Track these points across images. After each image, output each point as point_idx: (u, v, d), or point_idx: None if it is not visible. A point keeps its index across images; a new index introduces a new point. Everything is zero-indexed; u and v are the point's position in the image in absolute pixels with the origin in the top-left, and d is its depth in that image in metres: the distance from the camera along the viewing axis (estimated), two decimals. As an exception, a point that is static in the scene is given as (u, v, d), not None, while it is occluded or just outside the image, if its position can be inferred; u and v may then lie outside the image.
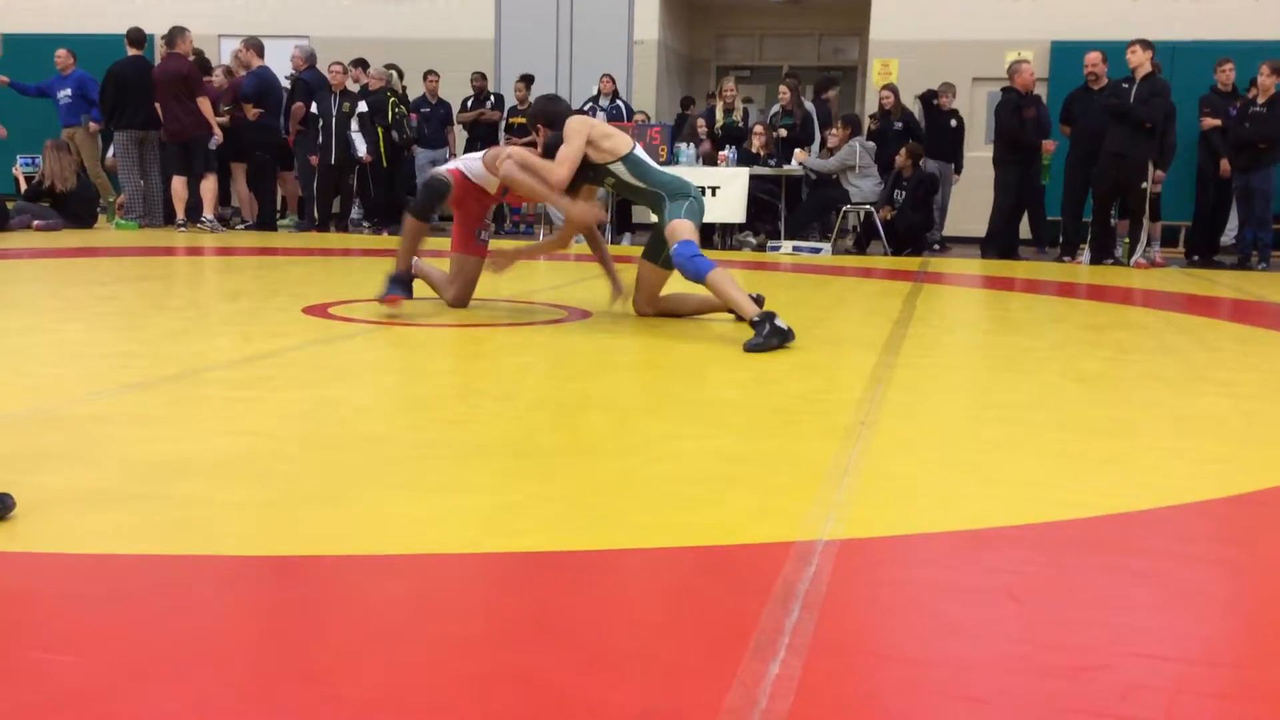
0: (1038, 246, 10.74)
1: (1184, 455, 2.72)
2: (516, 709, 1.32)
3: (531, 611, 1.62)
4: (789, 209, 10.57)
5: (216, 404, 3.03)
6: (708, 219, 9.52)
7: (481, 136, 11.98)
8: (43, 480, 2.19)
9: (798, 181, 10.68)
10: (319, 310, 4.91)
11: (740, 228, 10.62)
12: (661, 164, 6.51)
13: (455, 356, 4.20)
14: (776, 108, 11.36)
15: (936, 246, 10.67)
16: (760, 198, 10.48)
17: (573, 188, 4.79)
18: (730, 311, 4.59)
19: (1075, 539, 2.05)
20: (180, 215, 10.27)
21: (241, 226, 11.19)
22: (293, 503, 2.12)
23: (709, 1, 15.19)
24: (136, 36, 10.60)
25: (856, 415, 3.01)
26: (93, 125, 11.04)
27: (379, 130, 10.92)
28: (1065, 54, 11.80)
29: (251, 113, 10.71)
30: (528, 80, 11.86)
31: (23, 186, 11.09)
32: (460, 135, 12.39)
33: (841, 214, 10.24)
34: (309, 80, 11.01)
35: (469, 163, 5.08)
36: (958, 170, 10.94)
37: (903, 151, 9.99)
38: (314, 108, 10.80)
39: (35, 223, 9.93)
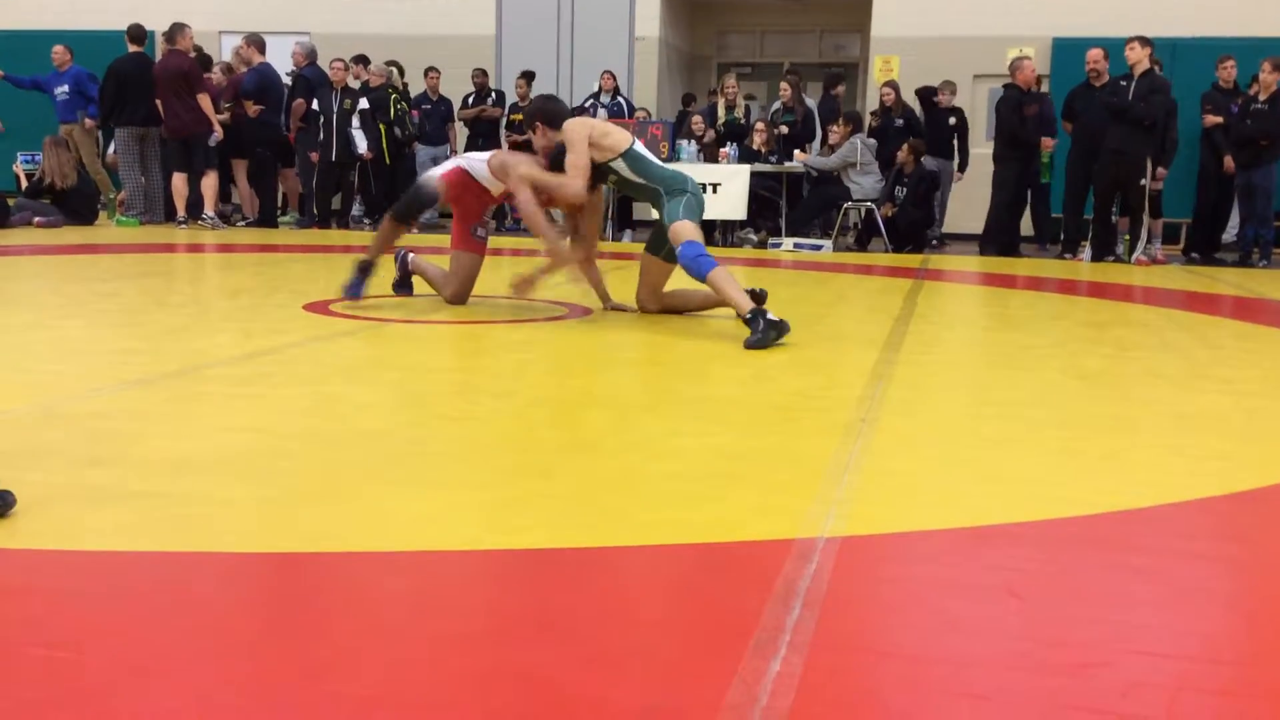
0: (1039, 243, 10.74)
1: (1185, 452, 2.71)
2: (517, 706, 1.32)
3: (532, 608, 1.62)
4: (790, 206, 10.56)
5: (217, 401, 3.03)
6: (709, 216, 9.52)
7: (483, 133, 11.99)
8: (43, 477, 2.19)
9: (799, 178, 10.68)
10: (320, 307, 4.91)
11: (741, 225, 10.62)
12: (663, 161, 6.51)
13: (455, 353, 4.20)
14: (778, 104, 11.36)
15: (935, 242, 10.66)
16: (761, 195, 10.48)
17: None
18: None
19: (1076, 536, 2.04)
20: (181, 212, 10.27)
21: (242, 223, 11.19)
22: (293, 499, 2.12)
23: (710, -2, 15.19)
24: (137, 33, 10.60)
25: (857, 412, 3.01)
26: (89, 122, 11.04)
27: (381, 127, 10.92)
28: (1067, 50, 11.79)
29: (252, 109, 10.71)
30: (529, 77, 11.85)
31: (23, 184, 11.10)
32: (461, 132, 12.38)
33: (843, 211, 10.23)
34: (310, 77, 11.00)
35: (473, 162, 5.07)
36: (962, 167, 10.93)
37: (905, 147, 9.98)
38: (315, 104, 10.80)
39: (36, 219, 9.93)
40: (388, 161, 11.12)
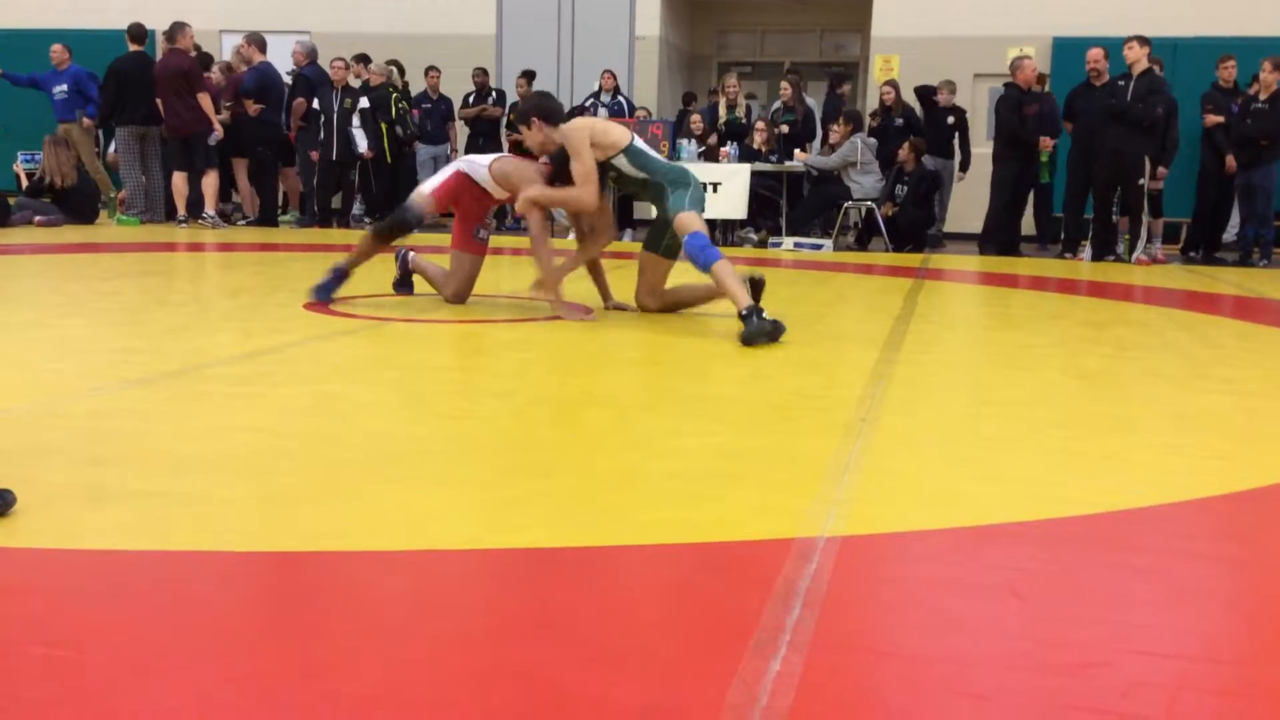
0: (1040, 243, 10.74)
1: (1185, 452, 2.71)
2: (517, 706, 1.32)
3: (531, 608, 1.62)
4: (790, 205, 10.56)
5: (217, 400, 3.03)
6: (710, 215, 9.52)
7: (483, 132, 11.98)
8: (43, 476, 2.19)
9: (799, 178, 10.68)
10: (320, 306, 4.91)
11: (742, 224, 10.62)
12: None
13: (456, 352, 4.20)
14: (778, 104, 11.36)
15: (935, 242, 10.67)
16: (762, 194, 10.48)
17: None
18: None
19: (1076, 535, 2.04)
20: (181, 211, 10.27)
21: (243, 222, 11.20)
22: (293, 498, 2.12)
23: (710, -3, 15.19)
24: (138, 32, 10.60)
25: (857, 411, 3.01)
26: (87, 121, 11.03)
27: (382, 126, 10.92)
28: (1067, 50, 11.79)
29: (252, 108, 10.71)
30: (529, 76, 11.85)
31: (24, 183, 11.10)
32: (462, 131, 12.38)
33: (843, 210, 10.23)
34: (310, 76, 11.00)
35: (474, 166, 5.06)
36: (964, 166, 10.93)
37: (906, 146, 9.98)
38: (315, 103, 10.80)
39: (37, 218, 9.93)
40: (389, 160, 11.13)
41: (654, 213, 4.95)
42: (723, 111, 11.39)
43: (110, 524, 1.94)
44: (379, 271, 5.56)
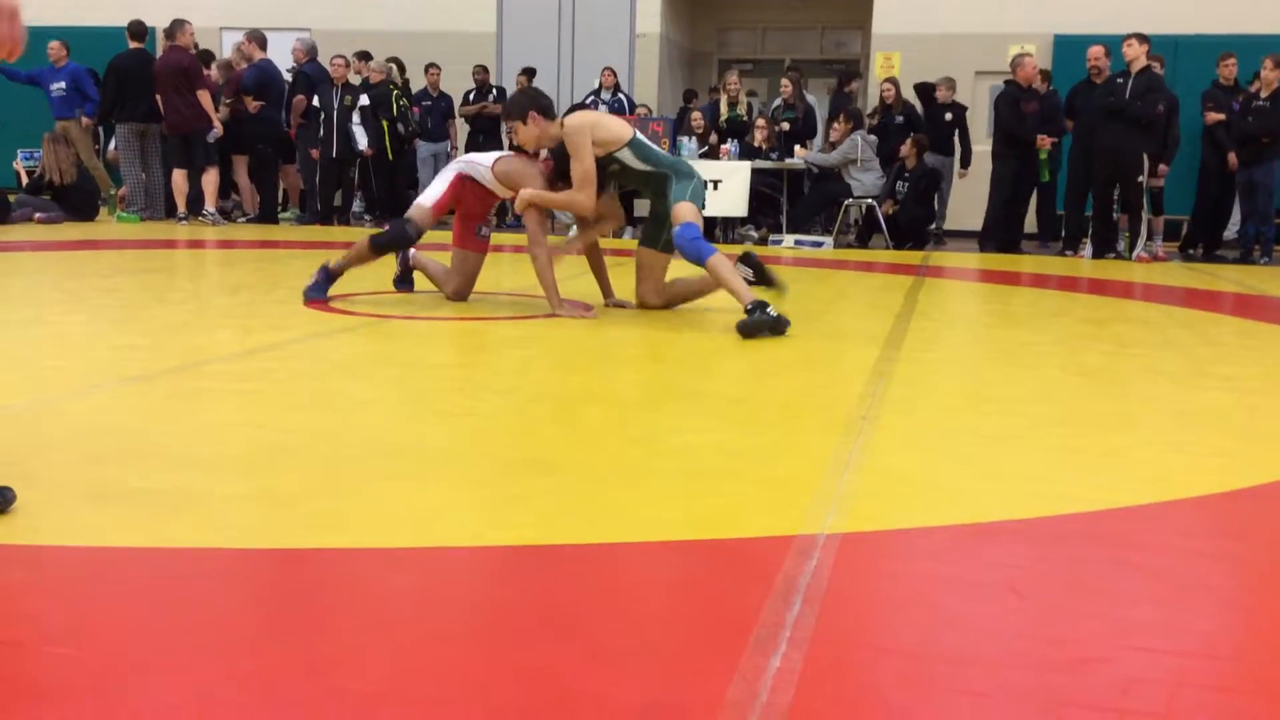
0: (1041, 240, 10.74)
1: (1185, 449, 2.72)
2: (518, 702, 1.32)
3: (533, 605, 1.62)
4: (791, 203, 10.56)
5: (217, 397, 3.03)
6: (710, 213, 9.54)
7: (483, 130, 11.98)
8: (43, 473, 2.19)
9: (800, 175, 10.67)
10: (320, 303, 4.91)
11: (742, 222, 10.62)
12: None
13: (456, 350, 4.20)
14: (778, 101, 11.35)
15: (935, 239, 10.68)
16: (762, 191, 10.47)
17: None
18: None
19: (1076, 533, 2.05)
20: (181, 208, 10.27)
21: (243, 219, 11.20)
22: (294, 495, 2.12)
23: (711, -5, 15.18)
24: (137, 29, 10.59)
25: (858, 409, 3.01)
26: (85, 120, 11.02)
27: (383, 123, 10.92)
28: (1068, 48, 11.79)
29: (252, 105, 10.71)
30: (529, 73, 11.84)
31: (24, 180, 11.10)
32: (462, 128, 12.38)
33: (844, 208, 10.23)
34: (310, 73, 11.00)
35: (475, 166, 5.04)
36: (964, 163, 10.92)
37: (908, 142, 9.97)
38: (315, 101, 10.80)
39: (37, 215, 9.93)
40: (390, 158, 11.13)
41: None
42: (724, 109, 11.38)
43: (110, 521, 1.94)
44: (379, 268, 5.56)
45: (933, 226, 10.49)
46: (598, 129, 4.71)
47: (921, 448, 2.67)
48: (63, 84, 11.02)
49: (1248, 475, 2.49)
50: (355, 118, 10.75)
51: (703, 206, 4.73)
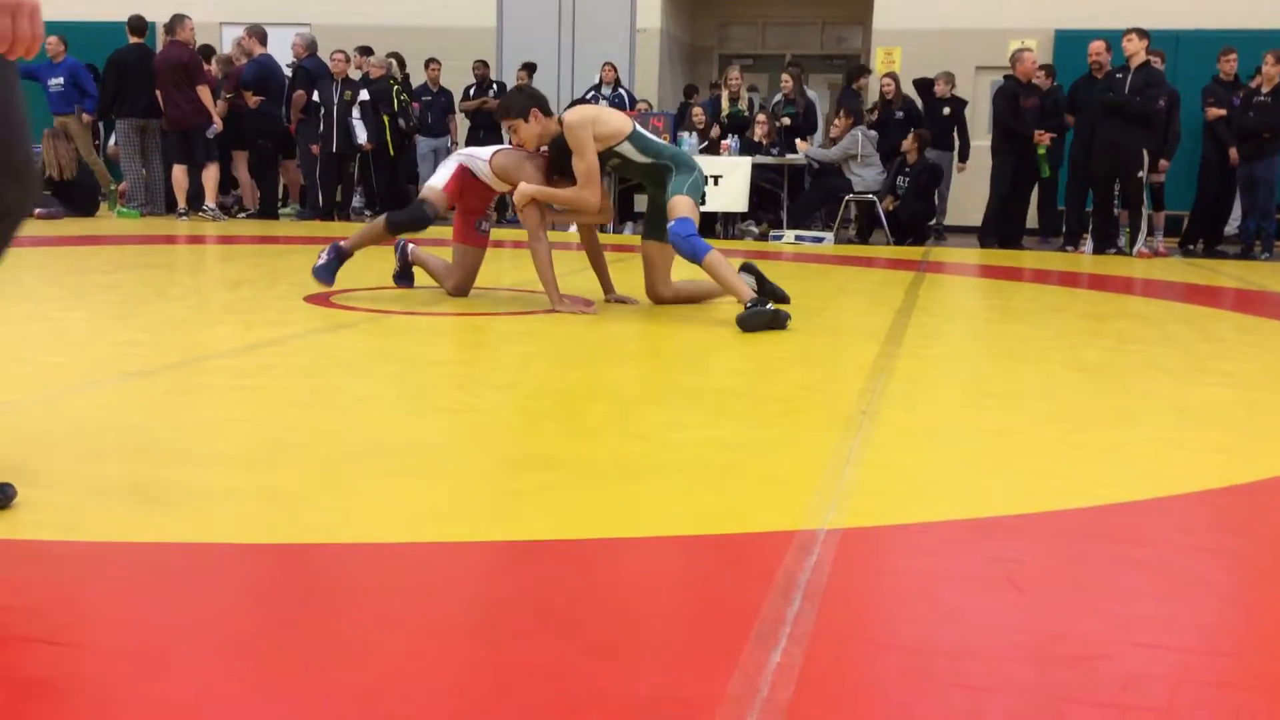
0: (1042, 236, 10.74)
1: (1185, 445, 2.71)
2: (518, 697, 1.32)
3: (533, 600, 1.62)
4: (791, 198, 10.55)
5: (218, 392, 3.03)
6: (711, 208, 9.54)
7: (483, 125, 11.97)
8: (44, 469, 2.19)
9: (800, 171, 10.67)
10: (320, 299, 4.90)
11: (743, 217, 10.61)
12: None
13: (457, 345, 4.20)
14: (779, 96, 11.34)
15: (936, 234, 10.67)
16: (763, 187, 10.47)
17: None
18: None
19: (1076, 528, 2.05)
20: (182, 204, 10.27)
21: (243, 215, 11.19)
22: (294, 491, 2.12)
23: (711, -10, 15.17)
24: (138, 24, 10.58)
25: (858, 405, 3.01)
26: (86, 117, 11.00)
27: (384, 118, 10.91)
28: (1069, 43, 11.77)
29: (252, 100, 10.70)
30: (530, 68, 11.83)
31: (24, 176, 11.08)
32: (462, 124, 12.37)
33: (844, 203, 10.22)
34: (310, 68, 10.99)
35: (474, 161, 5.03)
36: (962, 158, 10.92)
37: (910, 137, 9.96)
38: (315, 96, 10.79)
39: (37, 211, 9.92)
40: (391, 153, 11.12)
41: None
42: (725, 104, 11.37)
43: (110, 516, 1.94)
44: (379, 264, 5.56)
45: (933, 222, 10.48)
46: (598, 124, 4.68)
47: (922, 443, 2.67)
48: (60, 80, 11.01)
49: (1248, 471, 2.49)
50: (355, 112, 10.74)
51: (702, 201, 4.71)
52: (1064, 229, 9.93)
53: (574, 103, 11.20)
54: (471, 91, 12.17)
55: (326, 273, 5.00)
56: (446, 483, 2.22)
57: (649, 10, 13.37)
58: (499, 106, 4.92)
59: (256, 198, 11.23)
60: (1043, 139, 9.67)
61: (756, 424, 2.81)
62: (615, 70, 11.83)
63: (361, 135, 10.76)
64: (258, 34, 11.06)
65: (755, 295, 4.33)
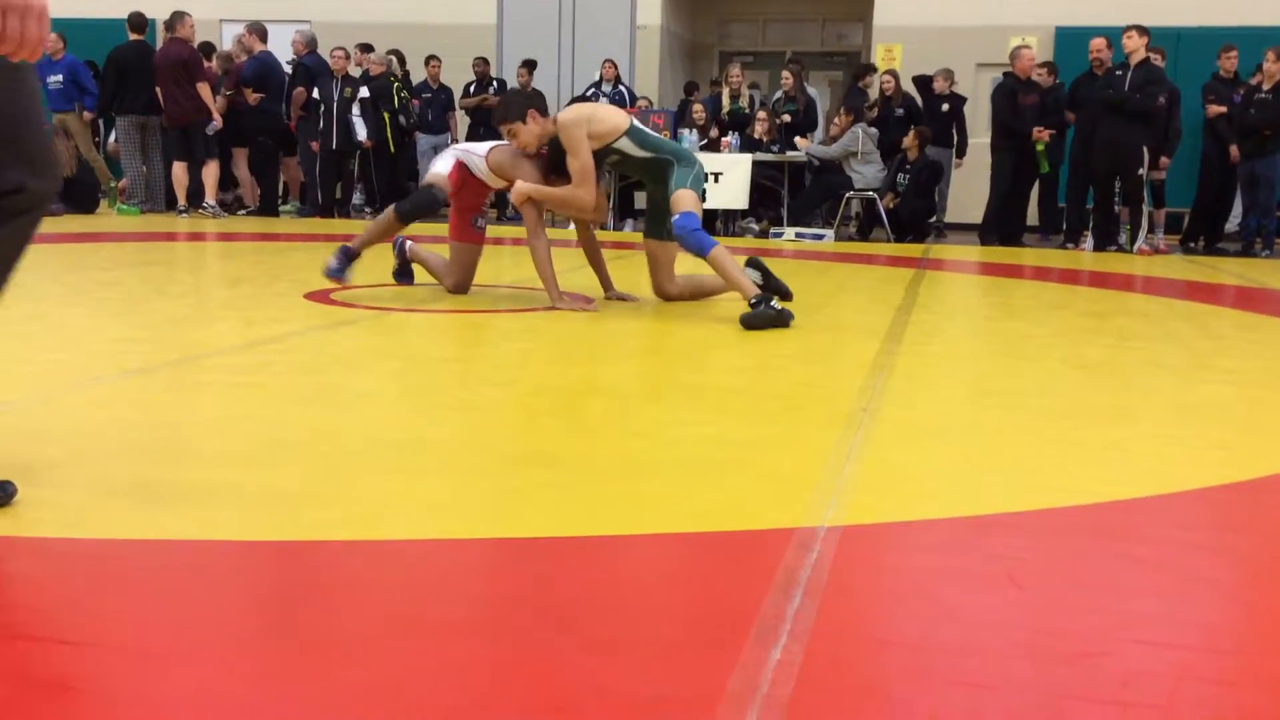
0: (1042, 233, 10.74)
1: (1186, 442, 2.71)
2: (518, 694, 1.32)
3: (533, 598, 1.62)
4: (792, 195, 10.55)
5: (218, 389, 3.03)
6: (711, 205, 9.53)
7: (484, 122, 11.95)
8: (44, 466, 2.19)
9: (800, 168, 10.66)
10: (321, 296, 4.90)
11: (743, 214, 10.61)
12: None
13: (457, 342, 4.20)
14: (779, 93, 11.33)
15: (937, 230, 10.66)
16: (763, 184, 10.46)
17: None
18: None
19: (1077, 525, 2.05)
20: (182, 201, 10.27)
21: (243, 212, 11.19)
22: (294, 488, 2.12)
23: (712, -14, 15.16)
24: (138, 21, 10.58)
25: (859, 402, 3.01)
26: (86, 114, 10.99)
27: (385, 115, 10.91)
28: (1070, 40, 11.76)
29: (252, 97, 10.70)
30: (530, 66, 11.82)
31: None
32: (462, 121, 12.36)
33: (844, 200, 10.22)
34: (310, 65, 10.99)
35: (470, 156, 5.03)
36: (959, 154, 10.92)
37: (911, 134, 9.96)
38: (315, 93, 10.79)
39: (37, 208, 9.92)
40: (392, 150, 11.12)
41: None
42: (726, 101, 11.36)
43: (110, 513, 1.94)
44: (379, 262, 5.56)
45: (933, 219, 10.48)
46: (593, 122, 4.67)
47: (922, 440, 2.67)
48: (59, 77, 11.00)
49: (1248, 468, 2.49)
50: (355, 110, 10.74)
51: (703, 196, 4.71)
52: (1064, 226, 9.93)
53: (574, 100, 11.21)
54: (472, 89, 12.16)
55: (339, 273, 4.98)
56: (446, 480, 2.22)
57: (649, 7, 13.36)
58: (495, 114, 4.90)
59: (257, 195, 11.23)
60: (1042, 135, 9.66)
61: (757, 421, 2.81)
62: (616, 67, 11.82)
63: (361, 132, 10.75)
64: (258, 31, 11.06)
65: (759, 292, 4.33)
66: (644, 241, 5.00)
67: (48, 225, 8.10)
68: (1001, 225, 9.86)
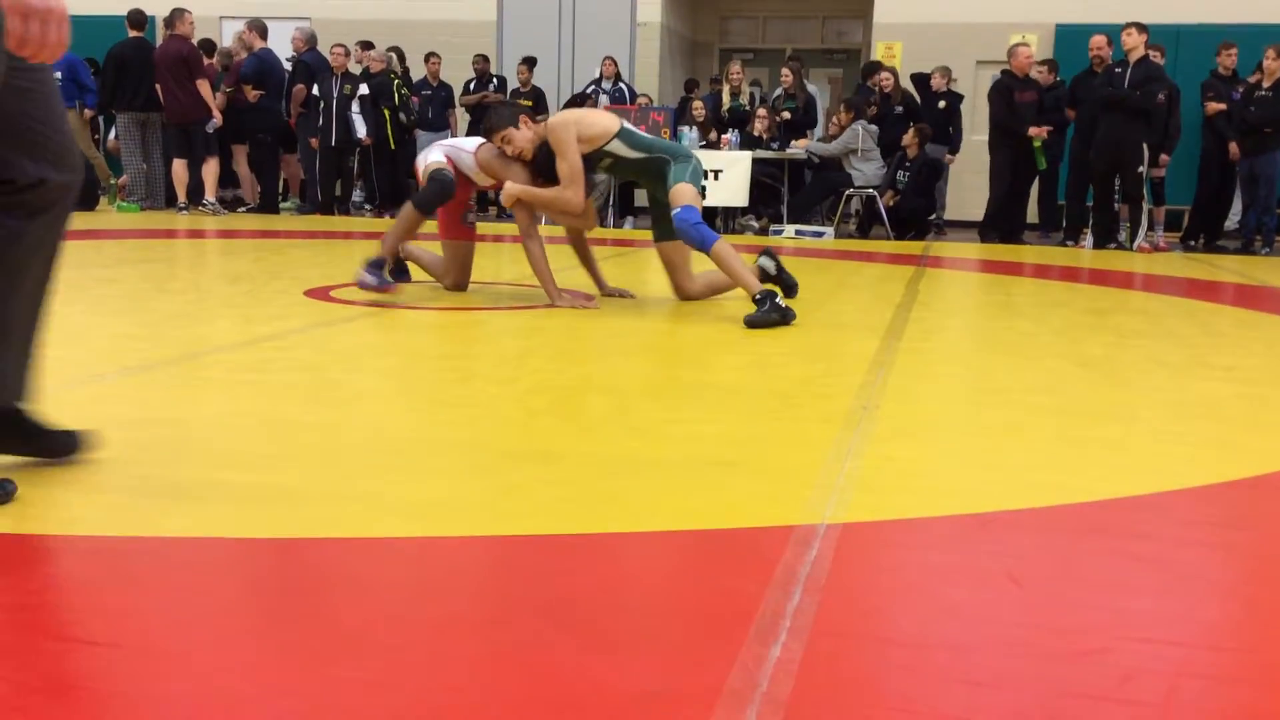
0: (1042, 231, 10.74)
1: (1185, 440, 2.71)
2: (517, 692, 1.32)
3: (532, 594, 1.62)
4: (792, 193, 10.55)
5: (218, 387, 3.03)
6: (711, 203, 9.53)
7: (483, 119, 11.96)
8: (44, 464, 2.19)
9: (800, 165, 10.66)
10: (320, 293, 4.90)
11: (743, 211, 10.61)
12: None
13: (456, 340, 4.20)
14: (779, 91, 11.33)
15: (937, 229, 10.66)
16: (763, 181, 10.46)
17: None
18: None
19: (1076, 523, 2.05)
20: (182, 198, 10.27)
21: (243, 209, 11.19)
22: (294, 485, 2.12)
23: (712, -16, 15.14)
24: (137, 18, 10.58)
25: (858, 399, 3.01)
26: (86, 112, 10.99)
27: (385, 112, 10.90)
28: (1070, 37, 11.76)
29: (252, 94, 10.70)
30: (530, 63, 11.82)
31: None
32: (462, 118, 12.36)
33: (844, 198, 10.22)
34: (310, 62, 10.99)
35: (459, 153, 5.01)
36: (952, 151, 10.91)
37: (911, 131, 9.95)
38: (315, 90, 10.78)
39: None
40: (391, 147, 11.11)
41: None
42: (726, 99, 11.36)
43: (110, 510, 1.95)
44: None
45: (933, 217, 10.48)
46: (583, 125, 4.65)
47: (922, 438, 2.67)
48: (58, 74, 10.99)
49: (1248, 465, 2.49)
50: (355, 107, 10.73)
51: (703, 193, 4.71)
52: (1064, 224, 9.93)
53: (574, 97, 11.22)
54: (471, 86, 12.16)
55: (381, 282, 4.82)
56: (445, 477, 2.22)
57: (649, 4, 13.35)
58: (485, 127, 4.87)
59: (256, 192, 11.23)
60: (1039, 133, 9.66)
61: (756, 419, 2.81)
62: (615, 64, 11.81)
63: (361, 130, 10.75)
64: (258, 28, 11.05)
65: (763, 288, 4.33)
66: (655, 246, 4.98)
67: (47, 222, 7.84)
68: (1001, 223, 9.86)
